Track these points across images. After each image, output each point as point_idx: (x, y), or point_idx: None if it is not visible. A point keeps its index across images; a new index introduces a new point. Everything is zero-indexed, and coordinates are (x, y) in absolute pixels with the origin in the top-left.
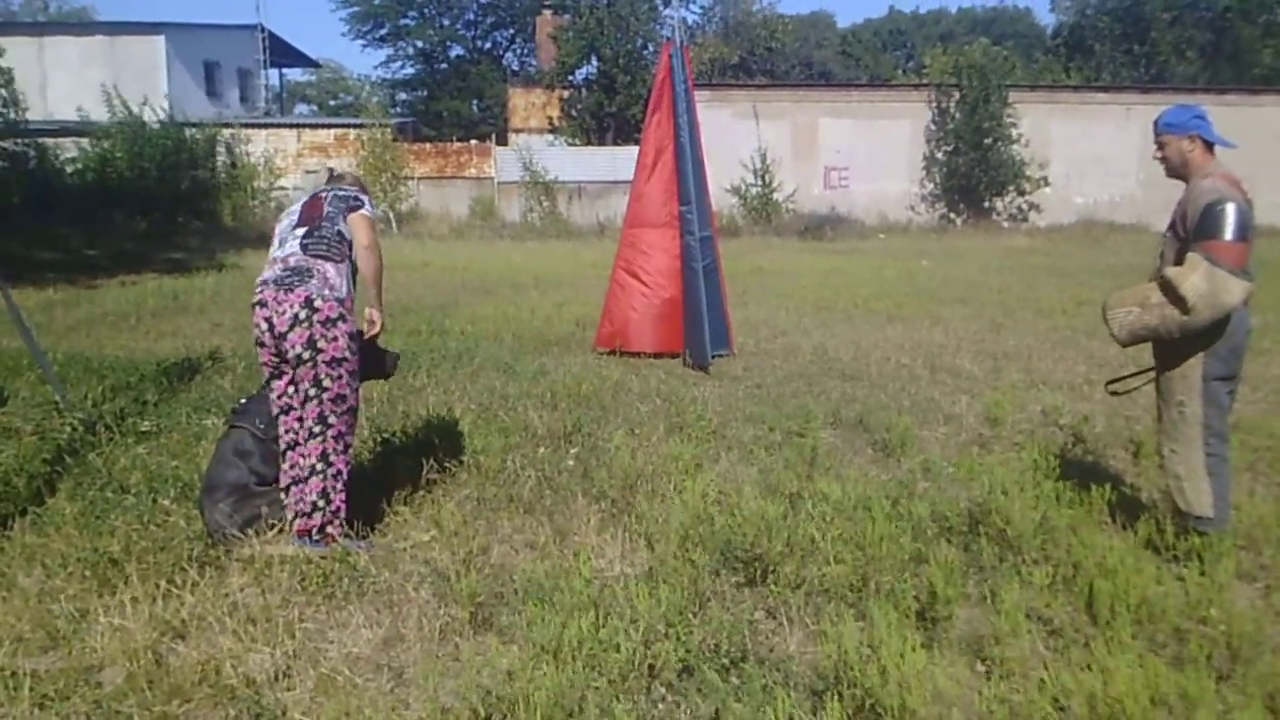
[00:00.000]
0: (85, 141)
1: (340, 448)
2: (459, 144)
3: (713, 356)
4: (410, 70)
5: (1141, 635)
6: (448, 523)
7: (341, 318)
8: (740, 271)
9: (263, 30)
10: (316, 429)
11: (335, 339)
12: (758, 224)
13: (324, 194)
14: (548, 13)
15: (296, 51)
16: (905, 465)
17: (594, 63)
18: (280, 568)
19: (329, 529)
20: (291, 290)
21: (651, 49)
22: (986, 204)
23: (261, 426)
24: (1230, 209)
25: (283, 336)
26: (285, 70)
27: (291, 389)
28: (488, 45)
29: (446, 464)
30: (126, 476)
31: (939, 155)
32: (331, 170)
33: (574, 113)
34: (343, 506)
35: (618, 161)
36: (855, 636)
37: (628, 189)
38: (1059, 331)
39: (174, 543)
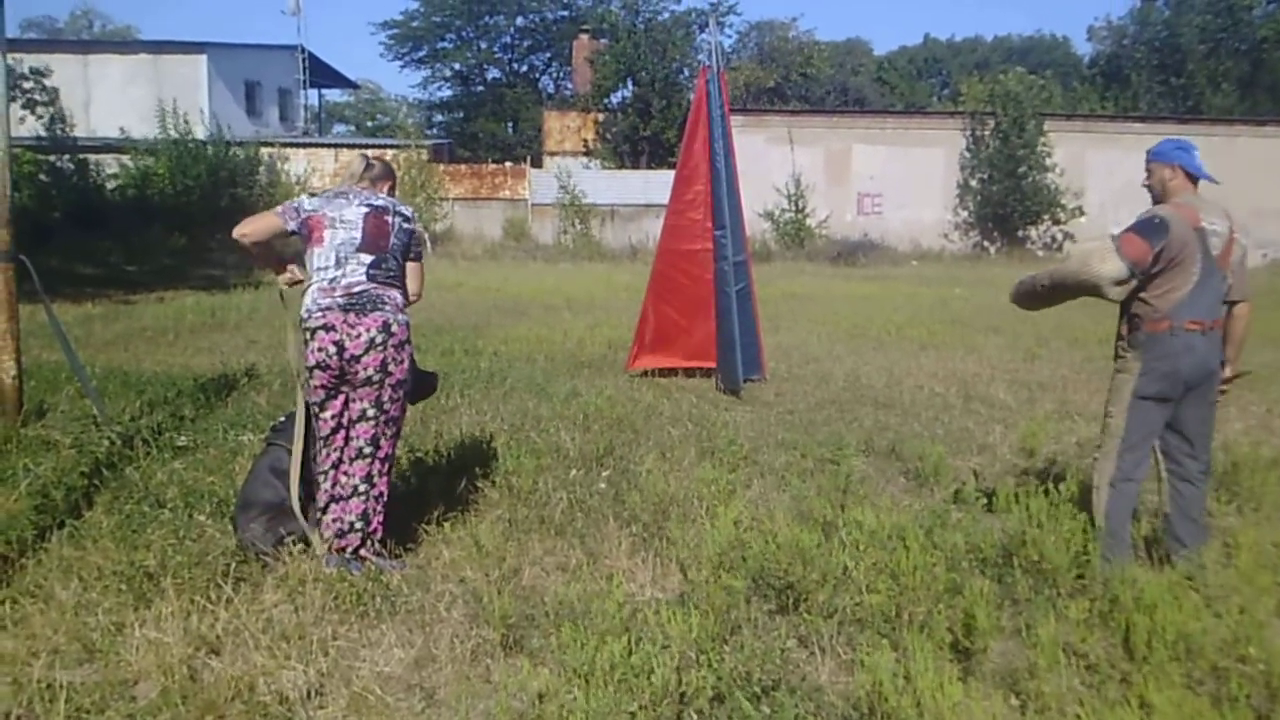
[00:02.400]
0: (128, 158)
1: (384, 469)
2: (494, 166)
3: (745, 381)
4: (447, 92)
5: (1179, 672)
6: (483, 543)
7: (409, 340)
8: (772, 297)
9: (303, 51)
10: (367, 449)
11: (403, 361)
12: (790, 249)
13: (388, 215)
14: (585, 37)
15: (335, 72)
16: (939, 495)
17: (629, 86)
18: (314, 586)
19: (363, 550)
20: (366, 314)
21: (687, 73)
22: (1020, 233)
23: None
24: (1149, 215)
25: (355, 359)
26: (324, 90)
27: (346, 410)
28: (524, 68)
29: (478, 484)
30: (163, 491)
31: (973, 183)
32: (366, 159)
33: (609, 136)
34: (380, 529)
35: (651, 185)
36: (889, 667)
37: (661, 212)
38: (1094, 362)
39: (209, 558)
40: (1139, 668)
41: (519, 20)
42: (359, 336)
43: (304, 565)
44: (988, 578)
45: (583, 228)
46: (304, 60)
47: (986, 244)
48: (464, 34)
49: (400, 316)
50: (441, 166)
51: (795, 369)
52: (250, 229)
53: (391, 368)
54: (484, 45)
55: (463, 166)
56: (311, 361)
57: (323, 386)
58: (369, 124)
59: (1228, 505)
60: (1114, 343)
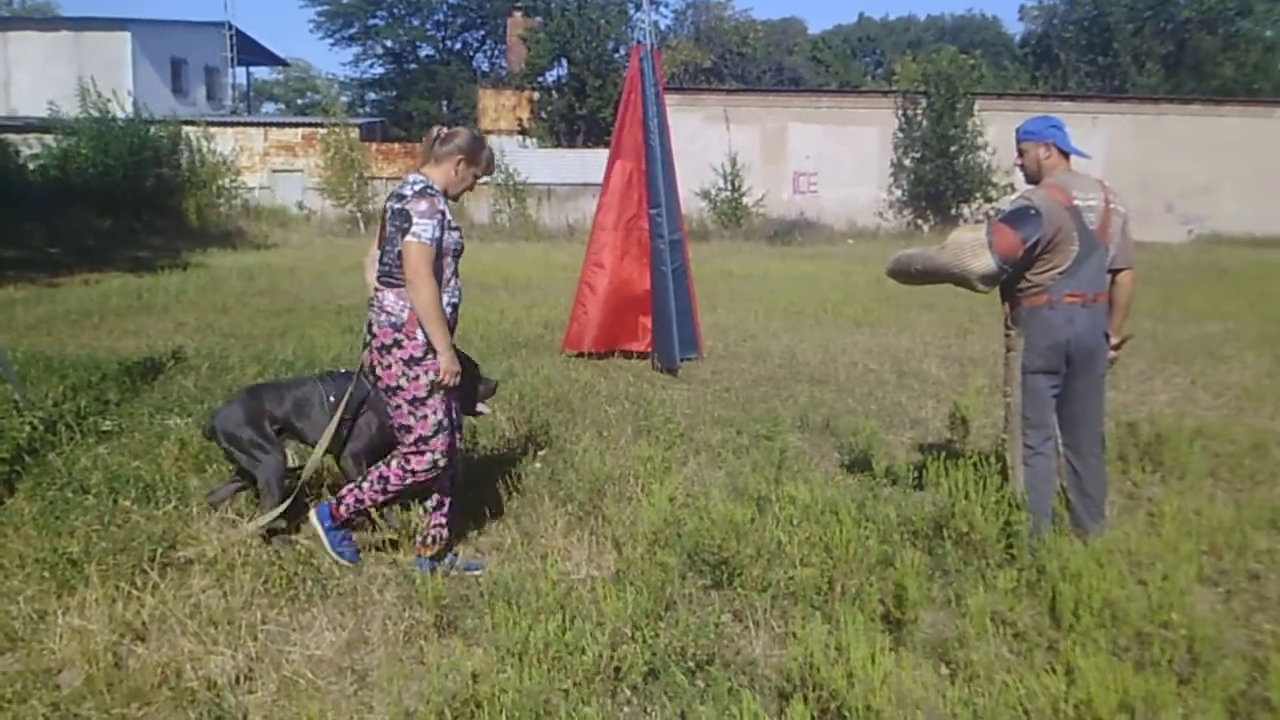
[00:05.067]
0: (50, 138)
1: (403, 473)
2: None
3: (681, 360)
4: (379, 70)
5: (1104, 639)
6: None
7: (396, 344)
8: (709, 275)
9: (230, 28)
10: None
11: (389, 366)
12: (727, 228)
13: (388, 204)
14: (518, 14)
15: (264, 49)
16: (872, 469)
17: (564, 65)
18: (243, 570)
19: (345, 499)
20: (370, 310)
21: (623, 52)
22: (954, 211)
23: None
24: (1022, 204)
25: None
26: (253, 68)
27: None
28: (458, 46)
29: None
30: (87, 476)
31: (907, 162)
32: (440, 130)
33: (544, 115)
34: (365, 504)
35: (588, 164)
36: (822, 639)
37: (598, 191)
38: None
39: (134, 544)
40: (1066, 635)
41: None
42: (366, 332)
43: (232, 549)
44: (918, 549)
45: (519, 207)
46: (232, 37)
47: (920, 222)
48: (396, 11)
49: (384, 318)
50: (374, 145)
51: (732, 347)
52: (374, 251)
53: (379, 371)
54: (416, 22)
55: (396, 145)
56: None
57: None
58: (299, 102)
59: (1152, 475)
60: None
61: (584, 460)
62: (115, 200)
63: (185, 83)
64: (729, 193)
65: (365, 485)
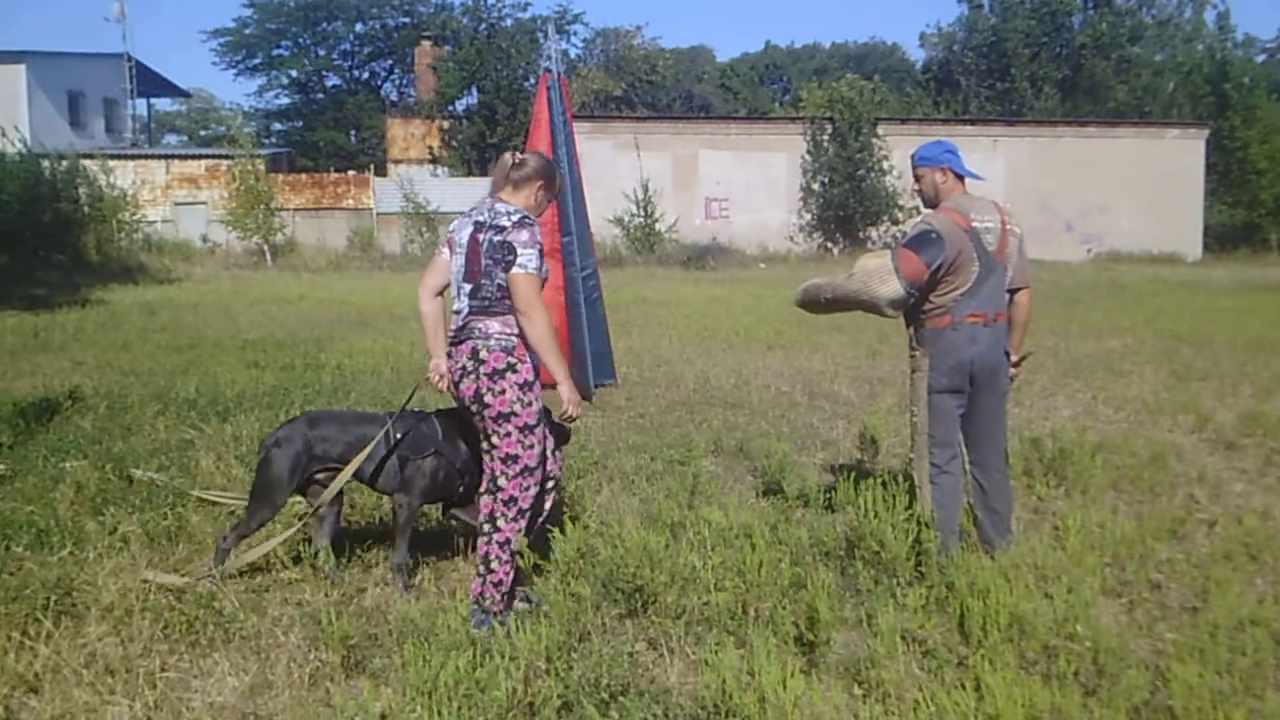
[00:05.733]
0: None
1: (511, 514)
2: (336, 175)
3: (596, 386)
4: (285, 100)
5: (1012, 653)
6: (322, 563)
7: (510, 368)
8: (624, 301)
9: (129, 59)
10: (491, 487)
11: (502, 391)
12: (640, 254)
13: (481, 231)
14: (427, 43)
15: (165, 80)
16: (784, 491)
17: (474, 94)
18: (141, 616)
19: (484, 600)
20: (463, 342)
21: (533, 80)
22: (862, 234)
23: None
24: (924, 229)
25: (456, 387)
26: (153, 100)
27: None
28: (365, 75)
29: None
30: None
31: (815, 186)
32: (512, 156)
33: (455, 143)
34: (506, 579)
35: None
36: (735, 664)
37: None
38: None
39: (27, 592)
40: (975, 651)
41: (358, 26)
42: (457, 364)
43: (130, 595)
44: (831, 570)
45: (430, 236)
46: (131, 69)
47: (830, 245)
48: (300, 41)
49: (492, 343)
50: (280, 176)
51: (647, 372)
52: (426, 281)
53: (488, 399)
54: (322, 52)
55: (303, 176)
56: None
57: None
58: (202, 133)
59: (1057, 489)
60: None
61: None
62: (10, 237)
63: (83, 115)
64: (642, 219)
65: (495, 566)
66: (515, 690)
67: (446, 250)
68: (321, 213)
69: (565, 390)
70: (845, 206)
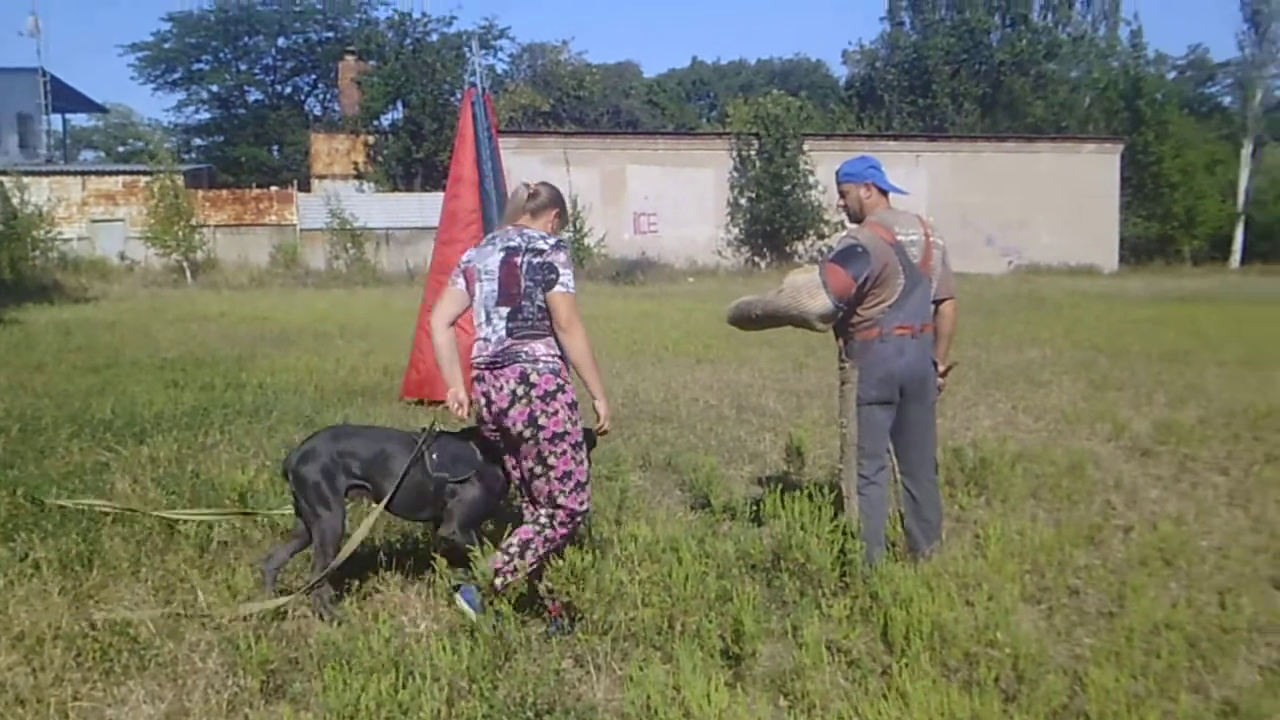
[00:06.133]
0: None
1: (570, 524)
2: (259, 190)
3: None
4: (205, 115)
5: (934, 662)
6: (241, 587)
7: (560, 389)
8: None
9: (44, 74)
10: (547, 506)
11: (555, 412)
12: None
13: (518, 255)
14: (351, 58)
15: (81, 96)
16: (711, 505)
17: (400, 108)
18: (53, 644)
19: (496, 578)
20: (505, 366)
21: (459, 95)
22: (789, 248)
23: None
24: (850, 243)
25: (504, 413)
26: (69, 115)
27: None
28: (288, 90)
29: (238, 525)
30: None
31: (742, 201)
32: (526, 189)
33: (380, 159)
34: (525, 574)
35: (426, 207)
36: (661, 679)
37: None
38: None
39: None
40: (898, 660)
41: (280, 41)
42: (502, 389)
43: (42, 621)
44: (757, 583)
45: (356, 252)
46: (45, 84)
47: (757, 259)
48: (221, 55)
49: (540, 365)
50: (201, 192)
51: (575, 387)
52: (439, 312)
53: (543, 420)
54: (243, 67)
55: (224, 192)
56: (475, 413)
57: (492, 438)
58: (120, 149)
59: (978, 498)
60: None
61: None
62: None
63: None
64: (570, 234)
65: (529, 556)
66: (439, 712)
67: (463, 280)
68: (243, 229)
69: (603, 407)
70: (772, 221)
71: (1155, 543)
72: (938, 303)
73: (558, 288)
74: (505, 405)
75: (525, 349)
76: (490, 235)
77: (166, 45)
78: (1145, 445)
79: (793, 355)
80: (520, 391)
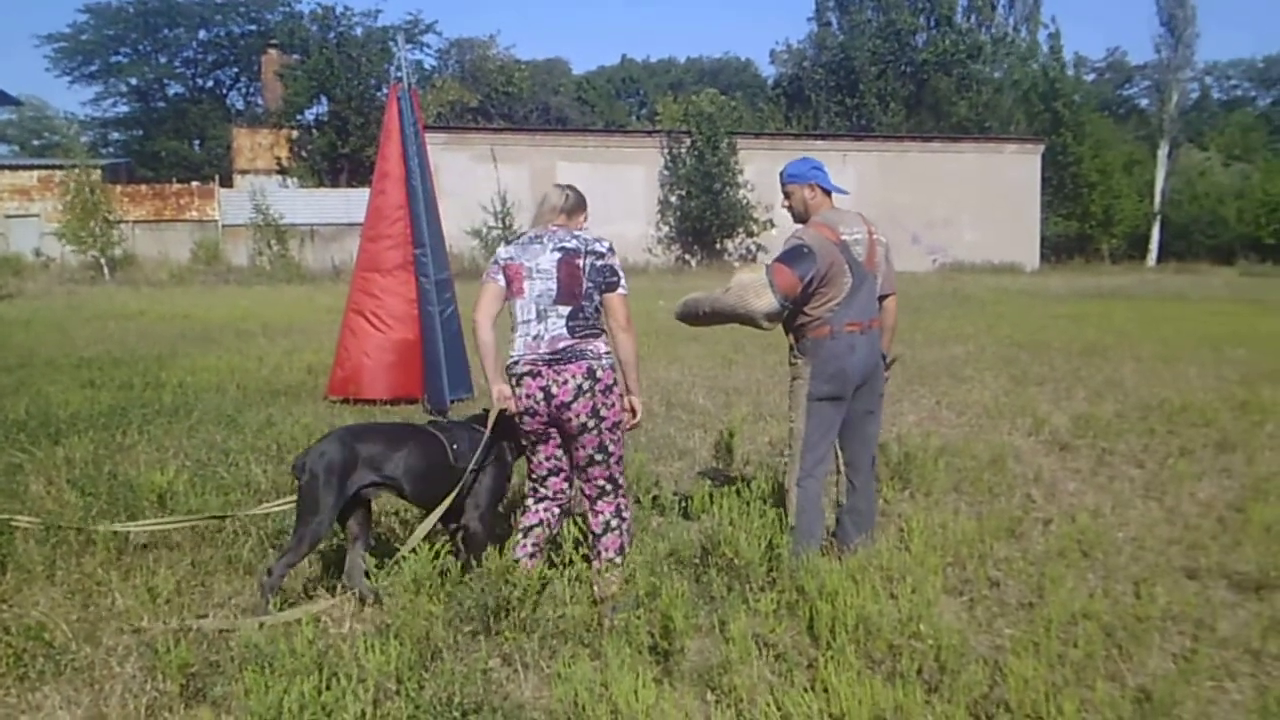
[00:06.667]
0: None
1: (628, 502)
2: (179, 185)
3: (453, 400)
4: (124, 109)
5: (858, 654)
6: (160, 589)
7: (615, 383)
8: None
9: None
10: (608, 488)
11: (613, 405)
12: None
13: (579, 258)
14: (274, 51)
15: None
16: (639, 501)
17: (324, 103)
18: None
19: (619, 581)
20: (570, 363)
21: (385, 90)
22: (718, 245)
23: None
24: (795, 244)
25: (566, 406)
26: None
27: (559, 452)
28: (209, 84)
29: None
30: None
31: (673, 199)
32: (563, 190)
33: (304, 153)
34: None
35: (352, 203)
36: (589, 676)
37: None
38: (785, 366)
39: None
40: (823, 652)
41: (201, 33)
42: (566, 384)
43: None
44: (685, 579)
45: (280, 248)
46: None
47: (688, 257)
48: (140, 48)
49: (603, 361)
50: (119, 187)
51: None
52: (484, 311)
53: (604, 412)
54: (163, 60)
55: (143, 187)
56: (520, 406)
57: (532, 430)
58: (35, 143)
59: (902, 492)
60: (787, 353)
61: None
62: None
63: None
64: (500, 231)
65: (625, 536)
66: (364, 713)
67: (502, 278)
68: (163, 225)
69: (638, 403)
70: (702, 219)
71: (1073, 534)
72: (882, 298)
73: (619, 290)
74: (569, 399)
75: (589, 347)
76: (531, 233)
77: (84, 37)
78: (1064, 439)
79: (721, 352)
80: (586, 386)
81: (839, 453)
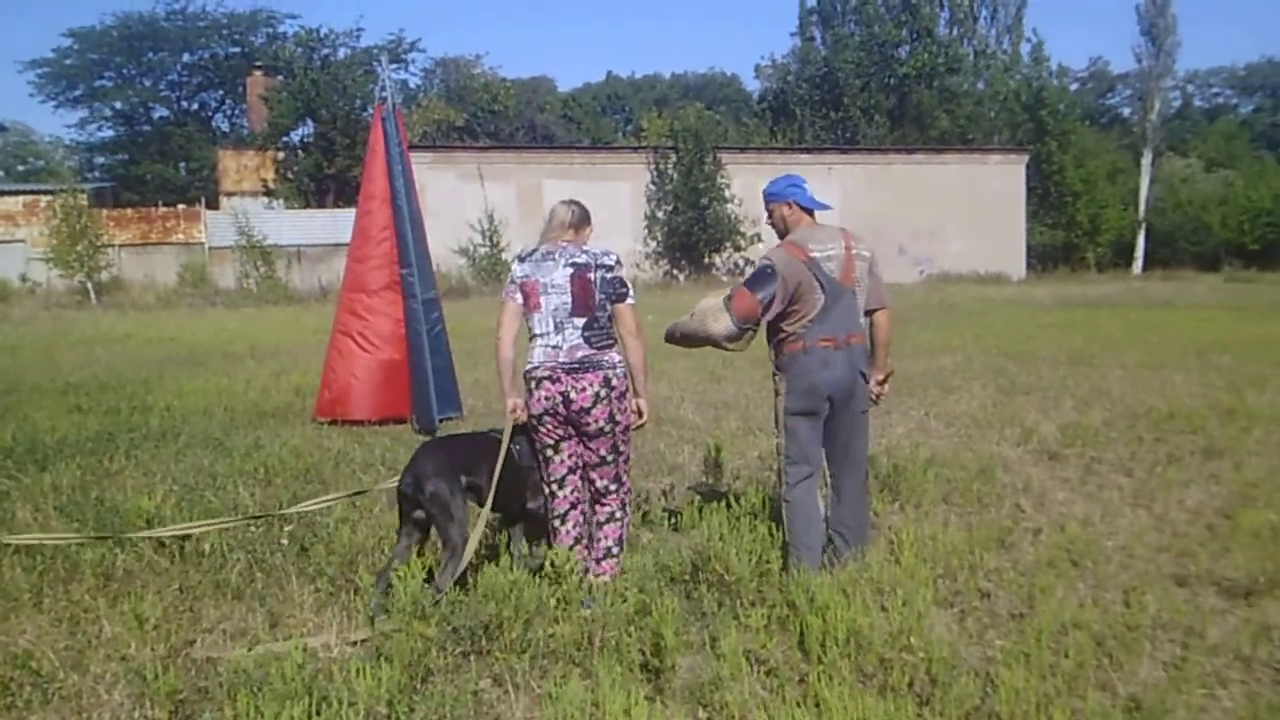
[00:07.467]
0: None
1: (630, 500)
2: (165, 209)
3: (441, 420)
4: (109, 132)
5: (849, 668)
6: (148, 615)
7: (627, 389)
8: (470, 332)
9: None
10: (612, 486)
11: (626, 410)
12: (487, 284)
13: (590, 272)
14: (258, 73)
15: None
16: (633, 518)
17: (310, 124)
18: None
19: (617, 571)
20: (589, 371)
21: (370, 111)
22: (706, 260)
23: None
24: (762, 265)
25: (585, 411)
26: None
27: (580, 449)
28: (194, 106)
29: (144, 552)
30: None
31: (660, 214)
32: (570, 206)
33: (290, 175)
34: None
35: (339, 224)
36: (579, 696)
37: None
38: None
39: None
40: (815, 667)
41: (185, 57)
42: (584, 390)
43: None
44: (676, 595)
45: (267, 270)
46: None
47: (676, 272)
48: (125, 72)
49: (618, 370)
50: (105, 211)
51: (493, 404)
52: (508, 329)
53: (619, 417)
54: (148, 83)
55: (129, 210)
56: (539, 409)
57: (548, 434)
58: (20, 168)
59: (892, 504)
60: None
61: (335, 533)
62: None
63: None
64: (487, 249)
65: (625, 529)
66: None
67: (520, 295)
68: (150, 248)
69: (645, 405)
70: (690, 234)
71: (1063, 544)
72: (870, 313)
73: (628, 300)
74: (588, 405)
75: (605, 357)
76: (543, 249)
77: (68, 61)
78: (1053, 448)
79: (709, 368)
80: (603, 393)
81: (825, 468)
